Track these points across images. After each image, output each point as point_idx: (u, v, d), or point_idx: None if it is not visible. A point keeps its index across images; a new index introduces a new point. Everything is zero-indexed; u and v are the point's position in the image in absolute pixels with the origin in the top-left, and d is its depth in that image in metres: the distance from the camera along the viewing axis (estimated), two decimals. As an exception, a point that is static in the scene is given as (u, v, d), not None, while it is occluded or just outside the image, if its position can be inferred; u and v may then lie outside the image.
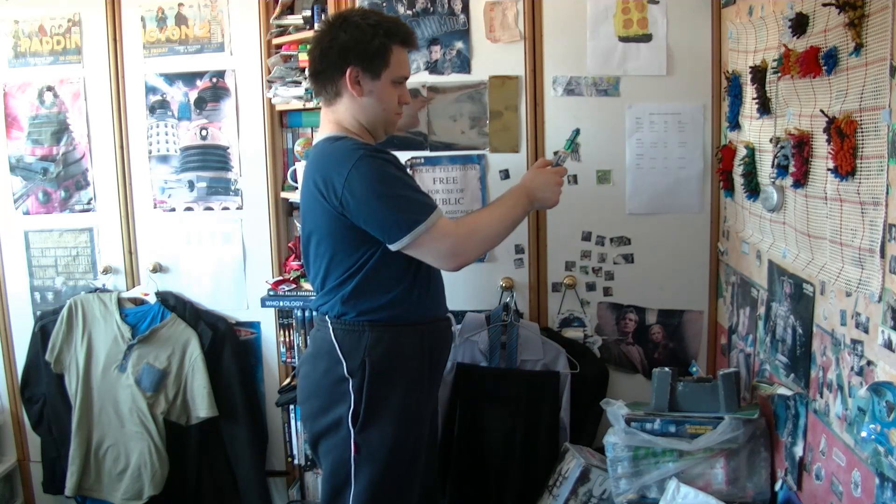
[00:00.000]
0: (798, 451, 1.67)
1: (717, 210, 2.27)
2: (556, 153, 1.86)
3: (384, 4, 2.26)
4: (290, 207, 2.56)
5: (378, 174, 1.59)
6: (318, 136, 1.78)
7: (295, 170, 2.39)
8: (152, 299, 2.51)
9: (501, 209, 1.72)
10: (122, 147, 2.52)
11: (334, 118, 1.72)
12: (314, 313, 1.89)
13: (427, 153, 2.31)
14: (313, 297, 2.30)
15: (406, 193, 1.61)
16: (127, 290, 2.56)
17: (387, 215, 1.58)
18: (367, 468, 1.66)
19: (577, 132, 1.90)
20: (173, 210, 2.54)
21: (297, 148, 2.42)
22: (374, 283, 1.66)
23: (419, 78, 2.27)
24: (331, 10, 2.25)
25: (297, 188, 2.40)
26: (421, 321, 1.73)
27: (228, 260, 2.54)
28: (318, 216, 1.66)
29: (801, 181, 1.55)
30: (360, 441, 1.65)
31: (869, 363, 1.34)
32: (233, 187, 2.50)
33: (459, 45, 2.26)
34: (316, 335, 1.77)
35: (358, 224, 1.61)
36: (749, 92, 1.87)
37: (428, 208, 1.60)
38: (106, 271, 2.58)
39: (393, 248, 1.60)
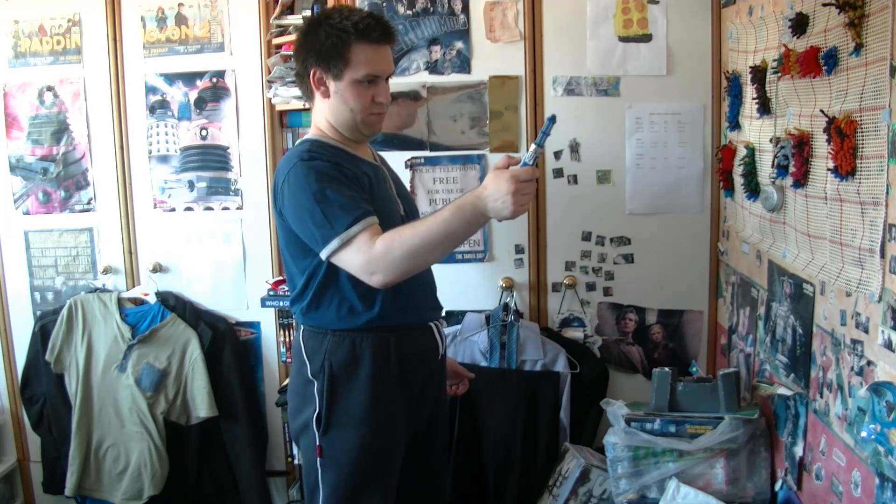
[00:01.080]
0: (798, 451, 1.67)
1: (717, 210, 2.27)
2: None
3: (384, 4, 2.26)
4: (290, 207, 2.56)
5: (306, 180, 1.50)
6: None
7: (295, 170, 2.39)
8: (152, 299, 2.51)
9: (431, 222, 1.44)
10: (122, 147, 2.52)
11: (313, 119, 1.70)
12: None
13: (427, 153, 2.31)
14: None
15: (326, 205, 1.49)
16: (127, 290, 2.56)
17: (308, 226, 1.51)
18: (331, 472, 1.64)
19: (553, 121, 1.43)
20: (173, 210, 2.54)
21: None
22: (329, 293, 1.61)
23: (419, 78, 2.28)
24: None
25: (297, 188, 2.40)
26: (387, 328, 1.64)
27: (228, 260, 2.54)
28: (277, 223, 1.65)
29: (801, 181, 1.55)
30: (323, 444, 1.63)
31: (869, 363, 1.34)
32: (233, 187, 2.50)
33: (459, 45, 2.26)
34: (294, 337, 1.77)
35: (295, 231, 1.58)
36: (749, 92, 1.87)
37: (345, 221, 1.47)
38: (106, 271, 2.58)
39: (322, 257, 1.53)
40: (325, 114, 1.64)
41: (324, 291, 1.61)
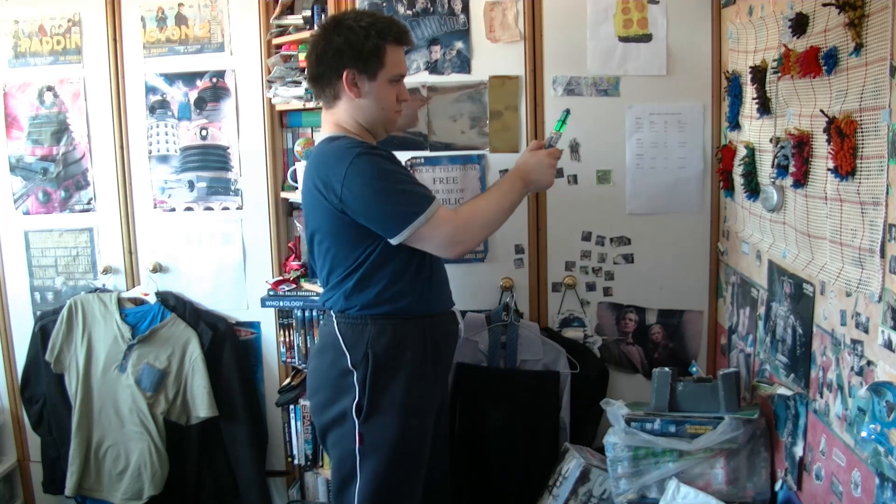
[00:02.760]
0: (798, 451, 1.67)
1: (717, 210, 2.27)
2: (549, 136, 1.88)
3: (384, 4, 2.26)
4: (290, 207, 2.56)
5: (374, 170, 1.62)
6: (319, 136, 1.82)
7: (295, 170, 2.39)
8: (152, 299, 2.51)
9: (498, 194, 1.75)
10: (122, 147, 2.52)
11: (334, 119, 1.76)
12: (321, 308, 1.99)
13: (427, 153, 2.31)
14: (316, 297, 2.33)
15: (403, 187, 1.64)
16: (127, 290, 2.56)
17: (385, 210, 1.62)
18: (372, 459, 1.69)
19: (568, 113, 1.89)
20: (173, 210, 2.53)
21: (297, 148, 2.42)
22: (376, 278, 1.70)
23: (419, 78, 2.27)
24: (331, 10, 2.25)
25: (297, 188, 2.40)
26: (424, 315, 1.75)
27: (228, 260, 2.54)
28: (320, 215, 1.71)
29: (801, 181, 1.55)
30: (364, 432, 1.68)
31: (869, 363, 1.34)
32: (233, 187, 2.50)
33: (459, 45, 2.26)
34: (322, 329, 1.84)
35: (358, 220, 1.64)
36: (749, 92, 1.87)
37: (426, 199, 1.63)
38: (106, 271, 2.58)
39: (394, 241, 1.63)
40: (353, 113, 1.73)
41: (371, 275, 1.70)
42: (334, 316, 1.75)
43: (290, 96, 2.34)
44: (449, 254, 1.69)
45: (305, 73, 1.88)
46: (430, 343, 1.76)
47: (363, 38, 1.66)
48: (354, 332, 1.71)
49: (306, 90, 2.29)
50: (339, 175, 1.61)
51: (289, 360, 2.49)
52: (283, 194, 2.47)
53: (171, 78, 2.47)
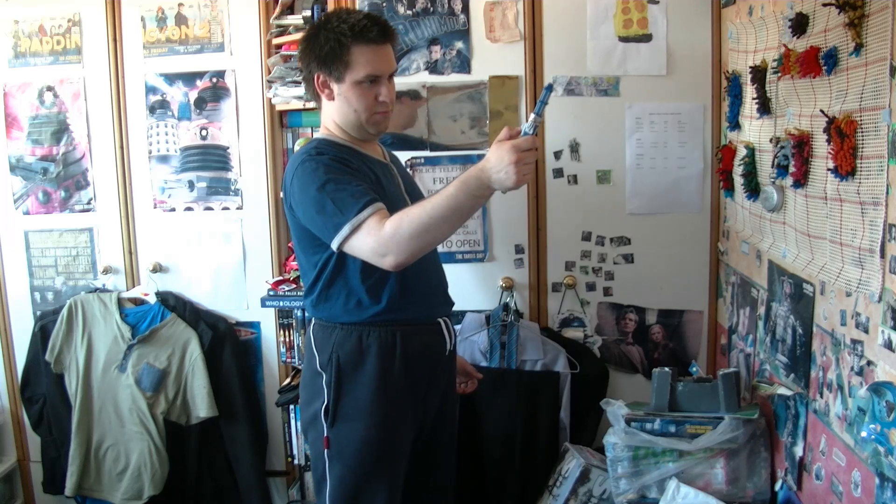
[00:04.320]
0: (798, 451, 1.67)
1: (717, 210, 2.27)
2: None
3: (384, 5, 2.26)
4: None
5: (312, 176, 1.56)
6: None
7: (295, 170, 2.39)
8: (152, 299, 2.51)
9: (437, 199, 1.46)
10: (122, 147, 2.52)
11: (322, 120, 1.77)
12: None
13: (427, 153, 2.31)
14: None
15: (334, 195, 1.53)
16: (127, 290, 2.55)
17: (317, 217, 1.56)
18: (337, 464, 1.67)
19: (550, 89, 1.48)
20: (173, 210, 2.53)
21: (297, 148, 2.42)
22: (337, 286, 1.66)
23: (419, 78, 2.28)
24: (330, 9, 2.25)
25: (297, 188, 2.40)
26: (394, 322, 1.67)
27: (228, 260, 2.54)
28: (288, 220, 1.72)
29: (801, 181, 1.55)
30: (330, 436, 1.67)
31: (869, 363, 1.34)
32: (233, 187, 2.50)
33: (459, 45, 2.26)
34: (306, 330, 1.84)
35: (307, 227, 1.63)
36: (749, 92, 1.87)
37: (355, 208, 1.50)
38: (106, 271, 2.57)
39: (333, 248, 1.56)
40: (332, 115, 1.71)
41: (332, 284, 1.66)
42: (312, 318, 1.77)
43: (290, 96, 2.34)
44: (381, 265, 1.51)
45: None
46: (401, 351, 1.67)
47: (323, 41, 1.61)
48: (324, 334, 1.70)
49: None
50: (289, 180, 1.62)
51: (289, 360, 2.49)
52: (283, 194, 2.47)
53: (171, 78, 2.47)
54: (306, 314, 1.80)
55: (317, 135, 1.76)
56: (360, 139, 1.73)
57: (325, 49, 1.61)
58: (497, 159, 1.42)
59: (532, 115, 1.46)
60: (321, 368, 1.67)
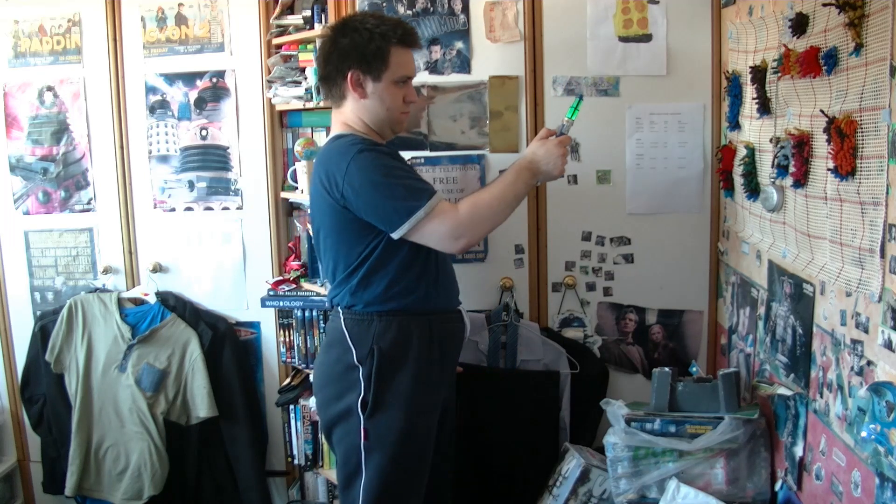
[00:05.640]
0: (798, 451, 1.67)
1: (717, 210, 2.27)
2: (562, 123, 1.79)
3: (384, 5, 2.26)
4: (290, 207, 2.56)
5: (375, 165, 1.64)
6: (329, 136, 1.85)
7: (295, 170, 2.39)
8: (152, 299, 2.51)
9: (501, 186, 1.70)
10: (122, 147, 2.52)
11: (342, 119, 1.79)
12: (328, 305, 2.01)
13: (427, 153, 2.31)
14: (316, 297, 2.34)
15: (403, 182, 1.64)
16: (127, 290, 2.56)
17: (385, 204, 1.62)
18: (377, 455, 1.70)
19: (581, 99, 1.79)
20: (173, 210, 2.53)
21: (297, 148, 2.42)
22: (380, 274, 1.71)
23: (419, 78, 2.26)
24: (330, 10, 2.25)
25: (296, 188, 2.40)
26: (429, 311, 1.76)
27: (228, 260, 2.54)
28: (324, 211, 1.73)
29: (801, 181, 1.55)
30: (369, 427, 1.70)
31: (869, 363, 1.34)
32: (233, 187, 2.50)
33: (459, 45, 2.26)
34: (329, 325, 1.86)
35: (360, 216, 1.66)
36: (749, 92, 1.87)
37: (426, 193, 1.63)
38: (106, 271, 2.58)
39: (395, 235, 1.64)
40: (359, 113, 1.76)
41: (375, 272, 1.71)
42: (341, 312, 1.77)
43: (290, 96, 2.34)
44: (451, 248, 1.67)
45: (315, 73, 1.90)
46: (436, 340, 1.76)
47: (367, 40, 1.68)
48: (360, 327, 1.72)
49: (306, 90, 2.30)
50: (342, 170, 1.63)
51: (289, 360, 2.49)
52: (283, 194, 2.47)
53: (171, 78, 2.47)
54: (336, 307, 1.80)
55: (338, 131, 1.78)
56: (381, 137, 1.80)
57: (370, 47, 1.68)
58: (546, 153, 1.73)
59: (566, 118, 1.77)
60: (358, 362, 1.70)
